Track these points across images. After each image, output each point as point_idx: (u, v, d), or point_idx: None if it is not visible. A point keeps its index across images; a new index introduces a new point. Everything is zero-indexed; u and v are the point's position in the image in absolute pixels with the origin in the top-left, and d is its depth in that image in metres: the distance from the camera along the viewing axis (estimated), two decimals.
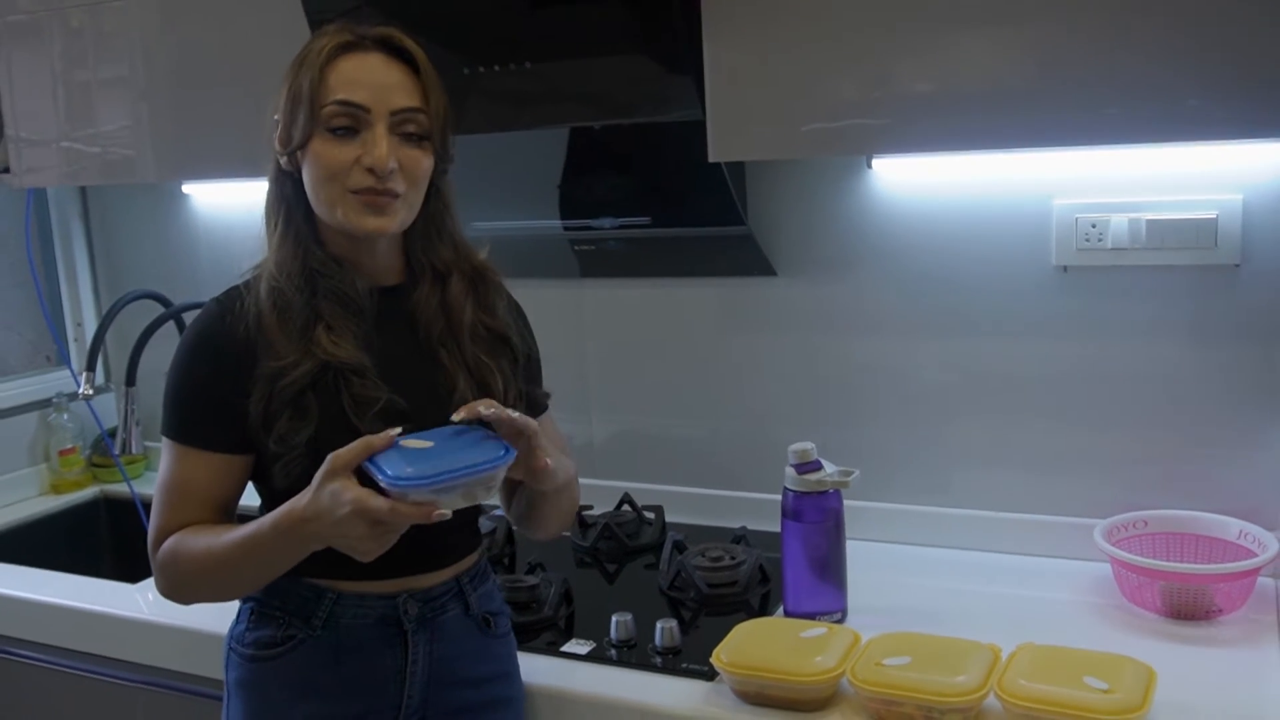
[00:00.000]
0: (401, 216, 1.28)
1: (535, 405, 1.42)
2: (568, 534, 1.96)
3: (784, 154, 1.67)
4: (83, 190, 2.57)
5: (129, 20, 2.06)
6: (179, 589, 1.29)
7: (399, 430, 1.16)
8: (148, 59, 2.05)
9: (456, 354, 1.32)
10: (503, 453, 1.18)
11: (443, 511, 1.12)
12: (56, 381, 2.50)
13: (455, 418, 1.20)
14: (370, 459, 1.14)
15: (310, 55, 1.25)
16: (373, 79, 1.24)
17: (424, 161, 1.27)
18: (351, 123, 1.23)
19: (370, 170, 1.23)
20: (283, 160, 1.29)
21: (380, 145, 1.23)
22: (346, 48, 1.25)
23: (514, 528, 1.48)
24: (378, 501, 1.11)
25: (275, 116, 1.28)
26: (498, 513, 1.97)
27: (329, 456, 1.14)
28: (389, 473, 1.11)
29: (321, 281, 1.28)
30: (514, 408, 1.33)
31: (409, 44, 1.27)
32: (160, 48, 2.04)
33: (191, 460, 1.28)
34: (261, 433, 1.25)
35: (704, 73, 1.56)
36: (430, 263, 1.35)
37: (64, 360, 2.55)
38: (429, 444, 1.17)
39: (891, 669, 1.30)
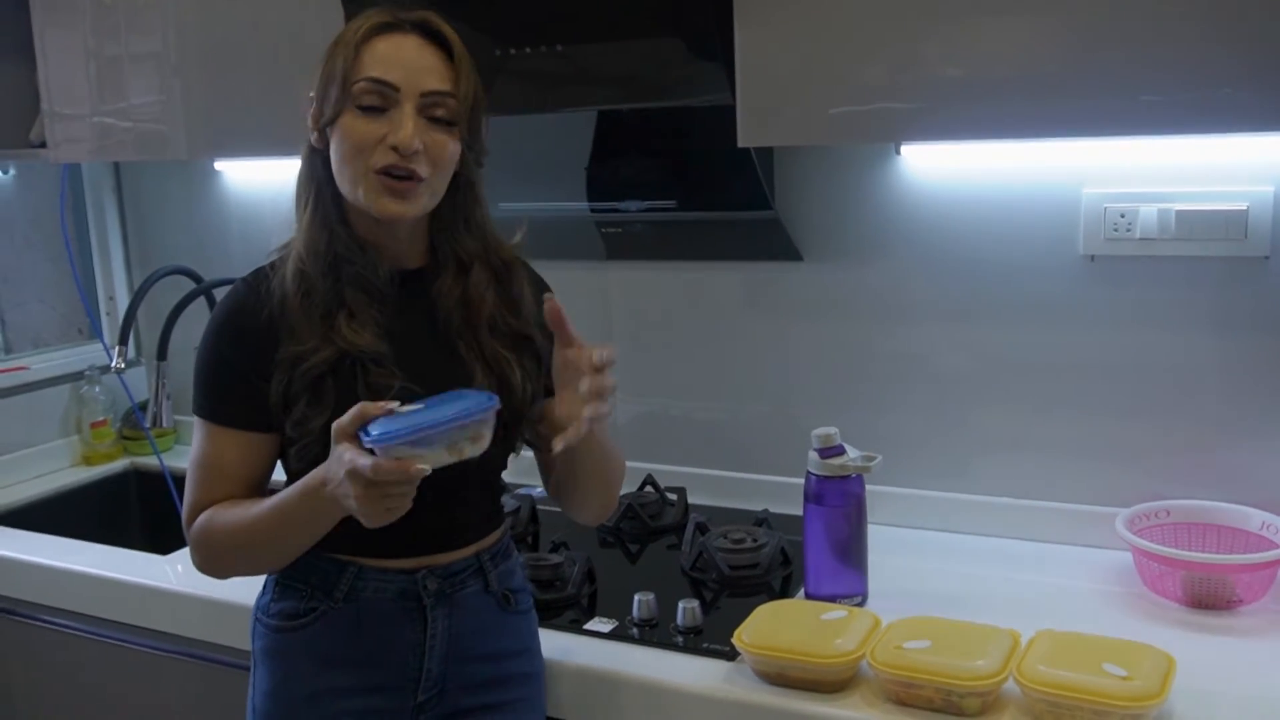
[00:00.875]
0: (423, 202, 1.28)
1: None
2: None
3: (813, 140, 1.67)
4: (116, 166, 2.60)
5: None
6: (213, 563, 1.32)
7: (396, 404, 1.16)
8: (180, 35, 2.07)
9: (474, 347, 1.32)
10: (486, 402, 1.17)
11: (421, 467, 1.12)
12: (89, 355, 2.53)
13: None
14: (363, 425, 1.15)
15: (347, 34, 1.27)
16: (405, 59, 1.25)
17: (450, 146, 1.27)
18: (380, 101, 1.24)
19: (394, 149, 1.23)
20: (314, 137, 1.30)
21: (406, 125, 1.23)
22: (383, 28, 1.27)
23: (558, 507, 1.47)
24: (363, 460, 1.12)
25: (310, 94, 1.29)
26: (522, 491, 1.99)
27: (334, 424, 1.17)
28: (372, 433, 1.13)
29: (345, 268, 1.29)
30: (531, 405, 1.35)
31: (446, 29, 1.28)
32: (192, 24, 2.05)
33: (221, 438, 1.30)
34: (281, 416, 1.27)
35: (734, 57, 1.56)
36: (455, 252, 1.35)
37: (96, 334, 2.59)
38: (419, 407, 1.17)
39: (911, 652, 1.31)
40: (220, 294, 2.18)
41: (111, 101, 2.16)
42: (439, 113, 1.26)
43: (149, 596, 1.77)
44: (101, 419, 2.47)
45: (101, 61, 2.17)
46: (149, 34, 2.10)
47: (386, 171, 1.24)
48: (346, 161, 1.26)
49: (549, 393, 1.35)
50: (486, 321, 1.33)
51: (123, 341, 2.21)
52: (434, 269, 1.35)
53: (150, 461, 2.42)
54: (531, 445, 1.41)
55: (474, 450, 1.17)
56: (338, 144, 1.26)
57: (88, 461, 2.47)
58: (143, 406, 2.44)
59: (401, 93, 1.24)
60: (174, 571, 1.81)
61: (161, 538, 2.09)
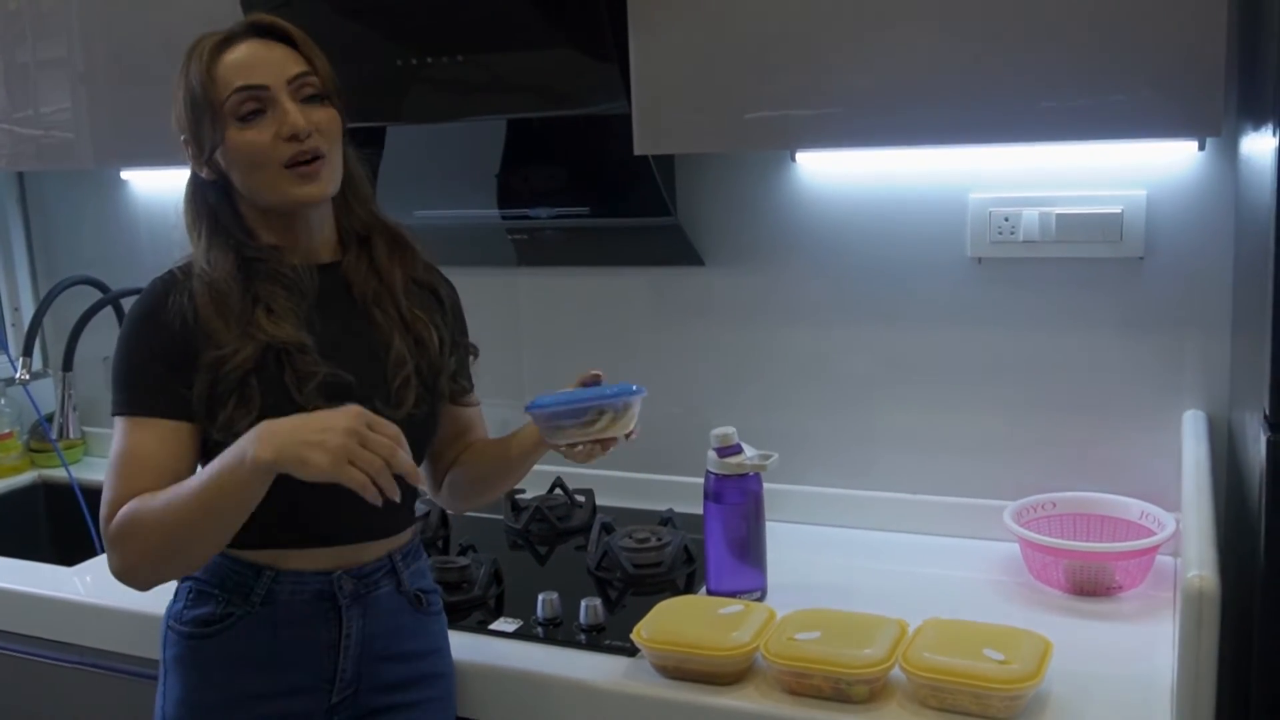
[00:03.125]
0: (333, 178, 1.32)
1: (465, 350, 1.49)
2: (500, 516, 2.01)
3: (708, 147, 1.72)
4: (20, 175, 2.56)
5: (66, 5, 2.06)
6: (135, 561, 1.24)
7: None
8: (86, 42, 2.06)
9: (391, 311, 1.38)
10: (633, 389, 1.33)
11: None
12: None
13: None
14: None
15: (192, 64, 1.29)
16: (258, 60, 1.28)
17: (334, 119, 1.32)
18: (257, 105, 1.27)
19: (291, 138, 1.27)
20: (203, 174, 1.32)
21: (291, 110, 1.27)
22: (222, 44, 1.30)
23: (445, 504, 1.54)
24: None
25: (182, 136, 1.32)
26: None
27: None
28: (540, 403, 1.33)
29: (257, 267, 1.31)
30: (448, 359, 1.42)
31: (278, 21, 1.32)
32: (98, 31, 2.05)
33: (143, 430, 1.27)
34: (205, 421, 1.27)
35: (629, 67, 1.60)
36: (353, 227, 1.40)
37: (1, 346, 2.55)
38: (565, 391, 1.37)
39: (802, 643, 1.35)
40: (129, 303, 2.18)
41: (17, 109, 2.14)
42: (309, 91, 1.30)
43: (56, 608, 1.76)
44: (7, 431, 2.44)
45: (7, 70, 2.15)
46: (54, 41, 2.09)
47: (293, 163, 1.28)
48: (253, 172, 1.28)
49: (455, 342, 1.45)
50: (401, 286, 1.39)
51: (27, 352, 2.19)
52: (344, 256, 1.40)
53: (58, 474, 2.40)
54: (454, 400, 1.48)
55: (616, 430, 1.34)
56: (236, 162, 1.29)
57: None
58: (49, 418, 2.42)
59: (272, 88, 1.28)
60: (81, 583, 1.81)
61: (69, 550, 2.08)
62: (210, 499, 1.20)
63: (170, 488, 1.23)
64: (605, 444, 1.36)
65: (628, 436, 1.37)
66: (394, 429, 1.19)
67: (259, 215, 1.33)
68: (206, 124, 1.27)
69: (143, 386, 1.29)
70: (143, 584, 1.27)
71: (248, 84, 1.27)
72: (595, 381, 1.38)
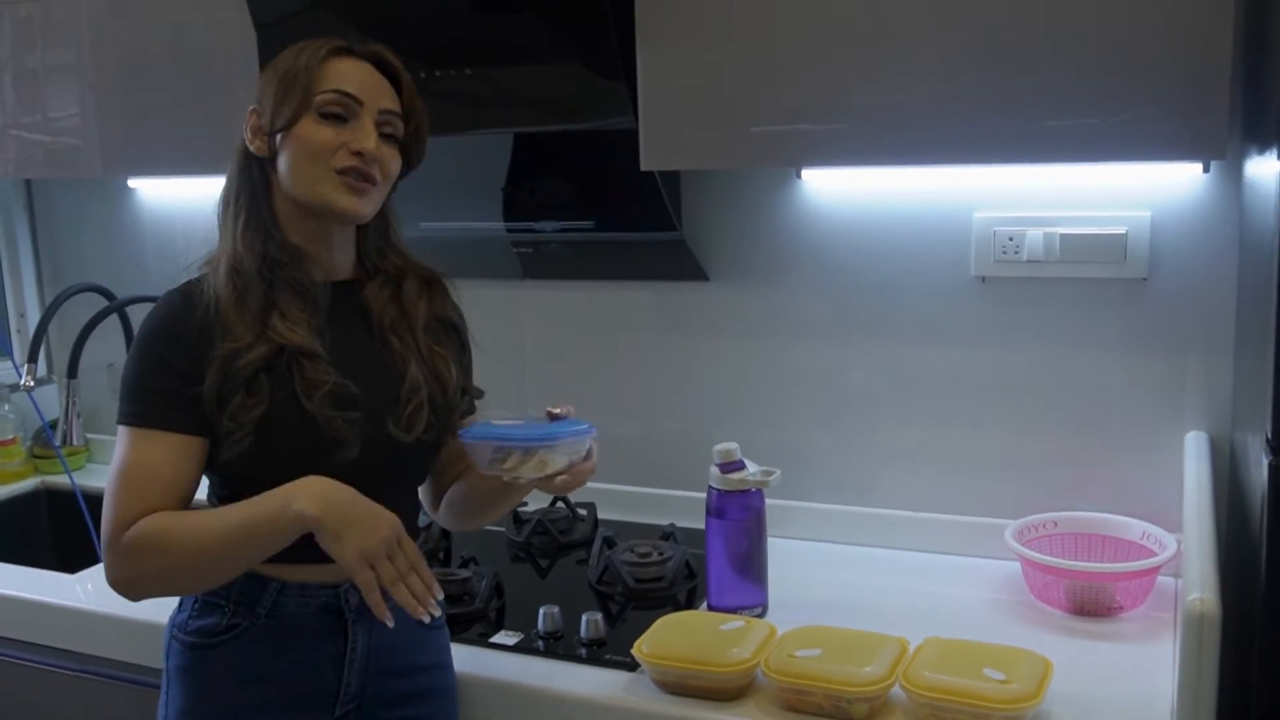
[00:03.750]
0: (373, 205, 1.36)
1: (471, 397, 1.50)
2: (502, 529, 2.01)
3: (714, 164, 1.73)
4: (27, 182, 2.57)
5: (77, 12, 2.07)
6: (153, 575, 1.26)
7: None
8: (96, 48, 2.07)
9: (410, 340, 1.40)
10: (585, 427, 1.33)
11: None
12: None
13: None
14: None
15: (306, 51, 1.34)
16: (365, 80, 1.34)
17: (397, 161, 1.37)
18: (343, 111, 1.32)
19: (358, 153, 1.31)
20: (254, 145, 1.35)
21: (371, 133, 1.33)
22: (343, 51, 1.35)
23: (444, 524, 1.54)
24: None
25: (252, 106, 1.35)
26: None
27: None
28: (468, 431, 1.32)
29: (279, 270, 1.33)
30: (460, 399, 1.43)
31: (397, 62, 1.38)
32: (108, 37, 2.06)
33: (150, 443, 1.27)
34: (215, 411, 1.28)
35: (637, 83, 1.61)
36: (382, 266, 1.43)
37: (6, 352, 2.56)
38: (517, 421, 1.33)
39: (803, 660, 1.36)
40: (135, 311, 2.19)
41: (26, 115, 2.15)
42: (389, 130, 1.35)
43: (58, 616, 1.76)
44: (11, 437, 2.44)
45: (17, 76, 2.16)
46: (64, 47, 2.10)
47: (346, 172, 1.32)
48: (306, 162, 1.32)
49: (464, 390, 1.45)
50: (422, 320, 1.42)
51: (32, 359, 2.19)
52: (362, 280, 1.42)
53: (61, 480, 2.40)
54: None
55: (552, 466, 1.30)
56: (294, 148, 1.32)
57: None
58: (53, 425, 2.42)
59: (364, 106, 1.33)
60: (83, 590, 1.81)
61: (72, 557, 2.08)
62: (243, 536, 1.24)
63: (200, 513, 1.27)
64: (551, 479, 1.32)
65: (555, 478, 1.31)
66: (416, 552, 1.26)
67: (291, 209, 1.35)
68: (290, 102, 1.31)
69: (155, 399, 1.29)
70: (140, 597, 1.29)
71: (346, 90, 1.32)
72: (554, 418, 1.36)
